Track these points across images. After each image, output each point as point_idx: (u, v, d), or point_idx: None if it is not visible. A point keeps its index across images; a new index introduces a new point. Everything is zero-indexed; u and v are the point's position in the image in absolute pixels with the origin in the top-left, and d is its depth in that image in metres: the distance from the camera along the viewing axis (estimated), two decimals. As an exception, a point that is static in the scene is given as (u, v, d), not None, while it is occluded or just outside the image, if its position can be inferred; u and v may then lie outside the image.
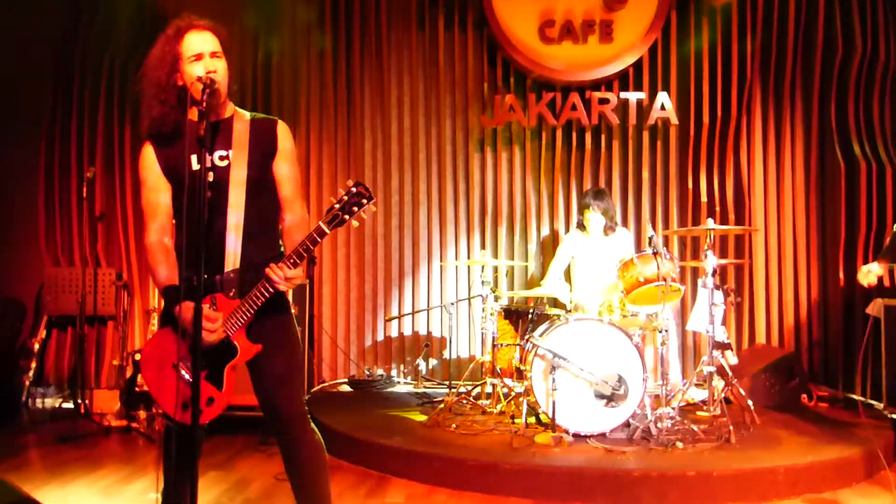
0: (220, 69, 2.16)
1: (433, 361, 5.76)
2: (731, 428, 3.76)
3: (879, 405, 4.58)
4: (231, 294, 2.15)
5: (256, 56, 5.79)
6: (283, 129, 2.30)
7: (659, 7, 5.57)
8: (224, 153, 2.20)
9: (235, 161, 2.19)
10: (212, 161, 2.18)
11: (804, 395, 4.86)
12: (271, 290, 2.10)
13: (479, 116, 5.73)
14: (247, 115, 2.30)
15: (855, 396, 4.91)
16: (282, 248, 2.29)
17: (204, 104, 2.02)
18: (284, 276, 2.08)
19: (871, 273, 3.68)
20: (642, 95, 5.60)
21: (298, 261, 2.09)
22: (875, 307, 4.77)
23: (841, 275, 5.25)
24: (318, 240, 2.07)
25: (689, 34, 5.63)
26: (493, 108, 5.68)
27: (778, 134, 5.55)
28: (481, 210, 5.78)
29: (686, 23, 5.64)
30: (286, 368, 2.27)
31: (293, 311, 2.40)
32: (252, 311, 2.13)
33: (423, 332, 5.81)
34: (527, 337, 4.21)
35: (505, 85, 5.74)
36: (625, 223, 5.53)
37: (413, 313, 5.74)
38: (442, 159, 5.79)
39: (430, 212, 5.81)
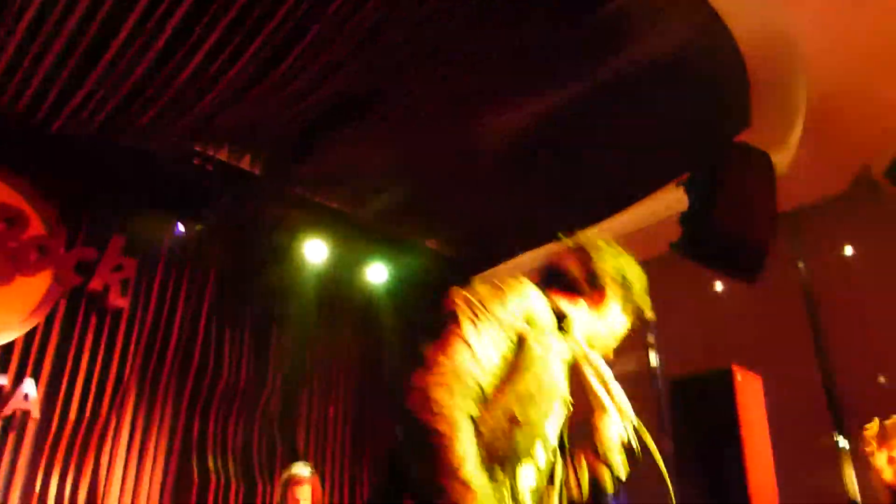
0: None
1: None
2: None
3: None
4: None
5: None
6: None
7: (48, 293, 5.42)
8: None
9: None
10: None
11: None
12: None
13: None
14: None
15: None
16: None
17: None
18: None
19: None
20: (4, 381, 5.06)
21: None
22: None
23: None
24: None
25: (76, 326, 5.55)
26: None
27: (143, 441, 5.59)
28: None
29: (75, 314, 5.57)
30: None
31: None
32: None
33: None
34: None
35: None
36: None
37: None
38: None
39: None
